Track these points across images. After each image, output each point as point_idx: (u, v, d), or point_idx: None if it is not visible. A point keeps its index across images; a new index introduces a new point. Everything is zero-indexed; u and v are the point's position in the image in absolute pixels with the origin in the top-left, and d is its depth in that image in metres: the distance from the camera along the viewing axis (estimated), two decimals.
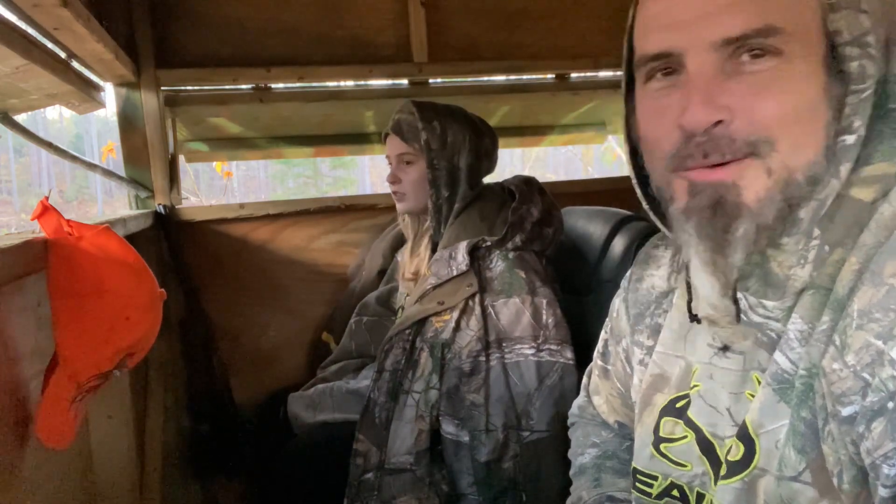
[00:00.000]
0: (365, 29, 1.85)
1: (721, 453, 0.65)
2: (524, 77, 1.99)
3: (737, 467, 0.62)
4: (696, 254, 0.60)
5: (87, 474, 1.10)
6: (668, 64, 0.59)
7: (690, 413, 0.68)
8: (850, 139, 0.55)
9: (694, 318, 0.68)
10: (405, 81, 1.92)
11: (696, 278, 0.63)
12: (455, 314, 1.25)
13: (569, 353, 1.25)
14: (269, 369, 1.84)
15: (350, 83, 1.94)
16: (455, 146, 1.37)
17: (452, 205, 1.38)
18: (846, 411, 0.53)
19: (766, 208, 0.56)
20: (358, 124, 2.06)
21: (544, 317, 1.25)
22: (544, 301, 1.26)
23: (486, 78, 1.99)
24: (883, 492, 0.50)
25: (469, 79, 1.97)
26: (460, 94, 1.97)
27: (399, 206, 1.47)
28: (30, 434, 0.78)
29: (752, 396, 0.63)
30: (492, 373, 1.23)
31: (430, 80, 1.93)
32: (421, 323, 1.28)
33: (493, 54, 1.92)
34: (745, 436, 0.62)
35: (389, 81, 1.92)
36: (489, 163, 1.44)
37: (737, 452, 0.62)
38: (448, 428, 1.24)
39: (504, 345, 1.24)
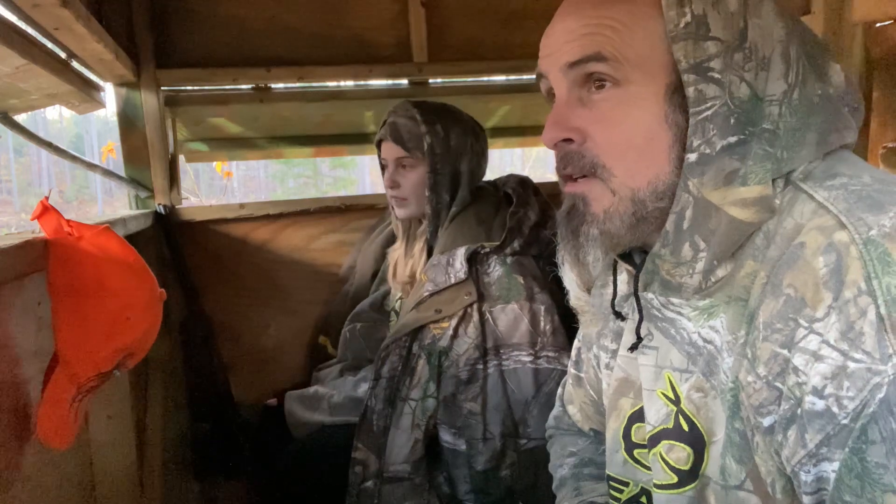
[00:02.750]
0: (365, 29, 1.85)
1: (669, 457, 0.66)
2: (524, 77, 1.98)
3: (687, 477, 0.64)
4: (564, 252, 0.69)
5: (87, 474, 1.10)
6: (548, 86, 0.67)
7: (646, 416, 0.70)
8: (692, 157, 0.59)
9: (618, 315, 0.73)
10: (405, 81, 1.92)
11: (565, 274, 0.72)
12: (453, 322, 1.24)
13: (566, 360, 1.21)
14: (269, 369, 1.84)
15: (350, 83, 1.94)
16: (458, 150, 1.34)
17: (451, 207, 1.35)
18: (766, 422, 0.55)
19: (610, 219, 0.63)
20: (358, 124, 2.06)
21: (542, 323, 1.24)
22: (542, 307, 1.24)
23: (486, 78, 1.99)
24: (806, 499, 0.52)
25: (469, 79, 1.97)
26: (460, 94, 1.97)
27: (400, 212, 1.43)
28: (30, 434, 0.78)
29: (664, 395, 0.66)
30: (489, 380, 1.22)
31: (430, 80, 1.92)
32: (417, 330, 1.27)
33: (493, 54, 1.92)
34: (697, 443, 0.63)
35: (389, 81, 1.92)
36: (485, 164, 1.42)
37: (687, 460, 0.63)
38: (445, 437, 1.23)
39: (502, 351, 1.23)
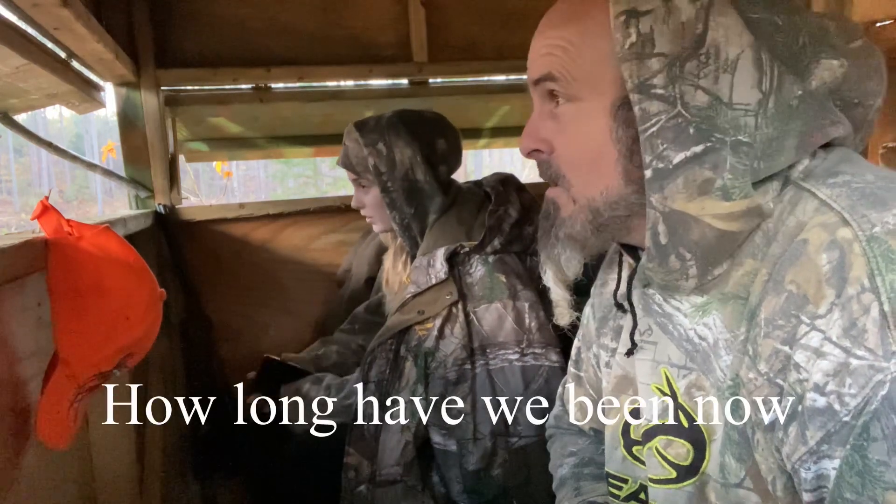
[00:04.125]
0: (365, 29, 1.85)
1: (667, 452, 0.66)
2: (524, 77, 1.97)
3: (686, 472, 0.64)
4: (540, 250, 0.74)
5: (87, 474, 1.10)
6: None
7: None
8: (647, 173, 0.59)
9: (619, 307, 0.76)
10: (405, 81, 1.92)
11: (544, 271, 0.76)
12: (438, 322, 1.23)
13: (554, 356, 1.22)
14: None
15: (350, 83, 1.94)
16: (404, 162, 1.32)
17: (423, 217, 1.34)
18: (767, 419, 0.55)
19: (573, 225, 0.68)
20: None
21: (527, 320, 1.23)
22: (526, 304, 1.24)
23: (486, 78, 1.99)
24: (806, 496, 0.52)
25: (469, 79, 1.97)
26: (460, 93, 1.97)
27: (374, 228, 1.46)
28: (30, 434, 0.78)
29: (658, 390, 0.66)
30: (477, 380, 1.22)
31: (430, 80, 1.93)
32: (403, 332, 1.27)
33: (493, 54, 1.92)
34: (698, 440, 0.63)
35: (389, 81, 1.92)
36: (448, 166, 1.39)
37: (687, 456, 0.64)
38: (435, 438, 1.23)
39: (488, 351, 1.22)
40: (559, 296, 0.78)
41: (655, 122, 0.57)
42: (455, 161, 1.41)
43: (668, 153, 0.57)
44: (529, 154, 0.70)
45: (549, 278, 0.76)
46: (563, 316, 0.81)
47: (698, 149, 0.57)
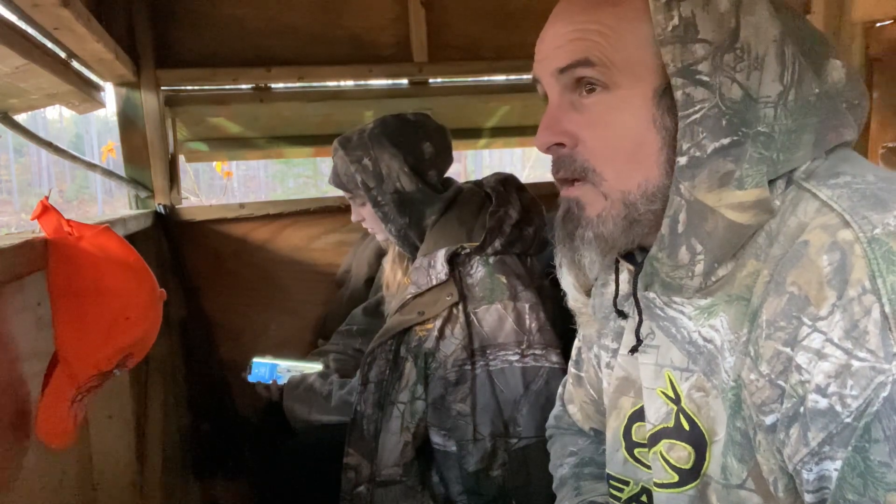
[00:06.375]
0: (365, 29, 1.85)
1: (670, 456, 0.66)
2: (524, 77, 1.99)
3: (688, 476, 0.64)
4: (561, 255, 0.69)
5: (87, 474, 1.11)
6: (545, 90, 0.67)
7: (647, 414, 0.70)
8: (682, 160, 0.58)
9: (620, 314, 0.73)
10: (405, 81, 1.92)
11: (562, 277, 0.72)
12: (438, 323, 1.23)
13: (554, 357, 1.22)
14: None
15: (350, 83, 1.94)
16: (391, 175, 1.31)
17: (420, 223, 1.34)
18: (769, 420, 0.55)
19: (604, 223, 0.64)
20: (358, 124, 2.05)
21: (528, 322, 1.23)
22: (527, 305, 1.24)
23: (486, 78, 1.99)
24: (808, 497, 0.52)
25: (469, 79, 1.97)
26: (460, 94, 1.97)
27: (377, 237, 1.47)
28: (30, 434, 0.78)
29: (664, 394, 0.66)
30: (477, 381, 1.22)
31: (430, 80, 1.93)
32: (403, 332, 1.26)
33: (493, 54, 1.92)
34: (699, 443, 0.63)
35: (389, 81, 1.92)
36: (438, 169, 1.38)
37: (688, 459, 0.63)
38: (435, 438, 1.23)
39: (488, 352, 1.22)
40: (581, 302, 0.75)
41: (699, 109, 0.57)
42: (444, 162, 1.40)
43: (705, 142, 0.57)
44: (549, 149, 0.65)
45: (568, 284, 0.73)
46: (588, 324, 0.79)
47: (726, 141, 0.57)
